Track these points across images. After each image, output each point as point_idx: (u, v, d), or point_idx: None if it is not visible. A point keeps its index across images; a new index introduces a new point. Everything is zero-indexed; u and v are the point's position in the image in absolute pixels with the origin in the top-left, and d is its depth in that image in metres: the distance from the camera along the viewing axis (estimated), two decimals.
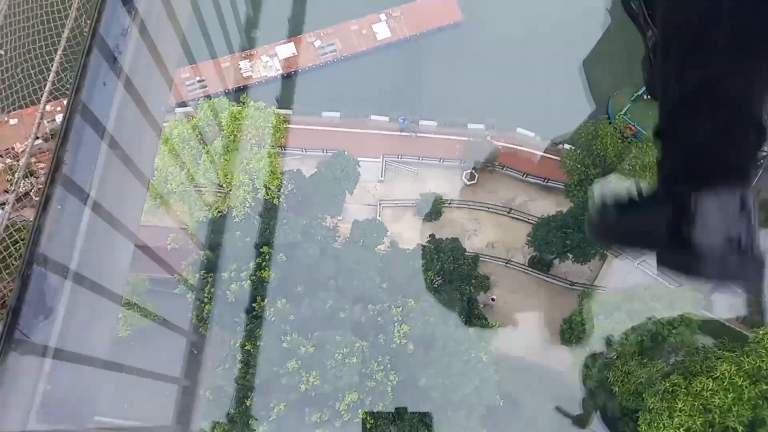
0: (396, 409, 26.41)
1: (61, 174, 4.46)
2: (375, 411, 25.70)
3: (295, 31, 44.41)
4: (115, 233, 4.84)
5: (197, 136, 29.92)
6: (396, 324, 26.40)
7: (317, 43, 43.53)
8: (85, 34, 4.86)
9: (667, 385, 25.50)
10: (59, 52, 4.75)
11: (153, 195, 27.10)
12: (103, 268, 4.88)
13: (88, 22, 4.83)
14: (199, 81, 42.76)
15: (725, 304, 33.93)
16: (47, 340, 4.12)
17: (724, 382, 24.32)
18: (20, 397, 3.88)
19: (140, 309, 28.30)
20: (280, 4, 44.72)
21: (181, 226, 29.99)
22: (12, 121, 31.91)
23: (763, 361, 24.33)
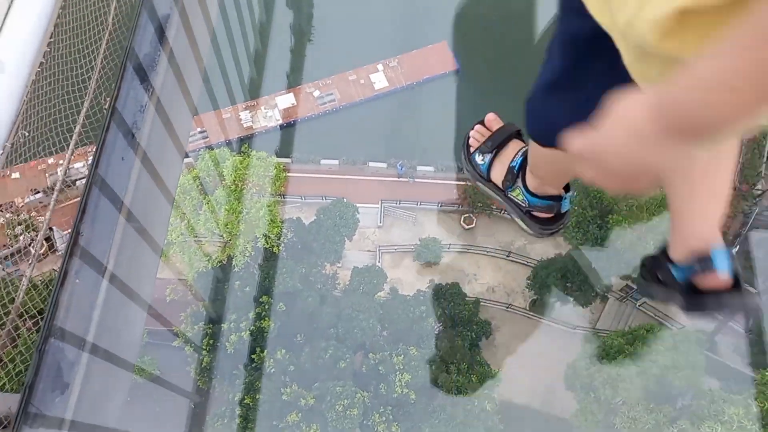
0: None
1: (78, 247, 4.65)
2: None
3: (294, 82, 45.59)
4: (131, 303, 4.99)
5: (198, 186, 30.32)
6: (397, 373, 26.11)
7: (316, 93, 44.59)
8: (104, 110, 5.17)
9: (675, 431, 25.02)
10: (77, 128, 5.05)
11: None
12: (118, 339, 5.01)
13: (108, 99, 5.14)
14: (200, 132, 43.60)
15: (729, 345, 33.60)
16: (62, 413, 4.23)
17: (733, 426, 23.89)
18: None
19: (138, 362, 28.05)
20: (281, 57, 46.06)
21: (180, 277, 30.03)
22: (14, 175, 32.45)
23: None
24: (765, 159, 40.76)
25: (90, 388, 4.48)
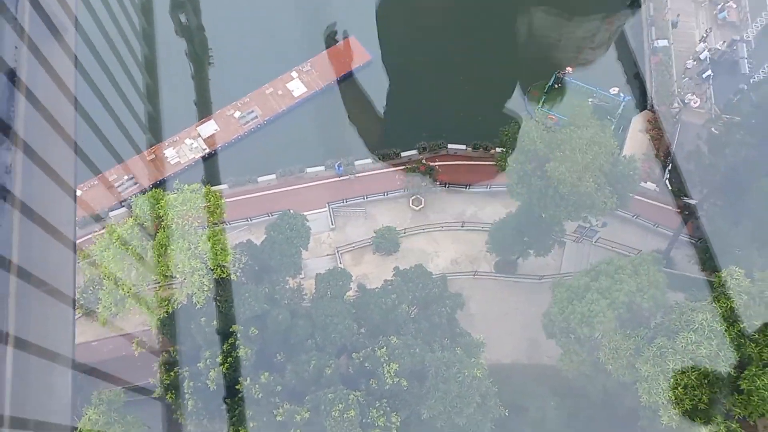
0: None
1: None
2: None
3: (212, 108, 44.73)
4: (51, 364, 4.64)
5: (138, 234, 29.25)
6: (384, 365, 26.08)
7: (237, 114, 43.91)
8: None
9: (654, 349, 26.02)
10: None
11: (106, 305, 26.15)
12: (42, 408, 4.64)
13: None
14: (128, 179, 42.19)
15: (683, 258, 35.29)
16: None
17: (705, 332, 25.03)
18: None
19: (123, 423, 26.90)
20: (188, 87, 45.08)
21: (144, 328, 29.00)
22: None
23: (732, 301, 25.23)
24: (675, 79, 42.97)
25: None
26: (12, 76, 4.98)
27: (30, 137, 5.04)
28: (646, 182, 38.51)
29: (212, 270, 27.70)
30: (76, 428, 24.61)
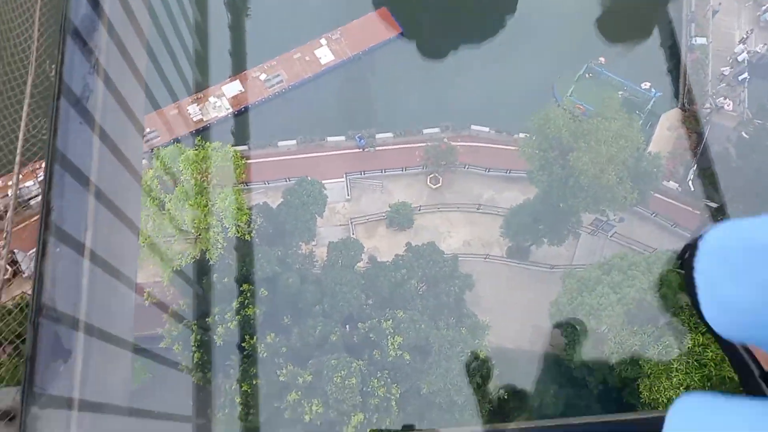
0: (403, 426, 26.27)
1: (52, 220, 4.41)
2: (383, 428, 25.48)
3: (239, 68, 44.55)
4: (115, 281, 4.77)
5: (157, 186, 29.55)
6: (389, 337, 26.35)
7: (263, 77, 43.72)
8: (51, 77, 4.86)
9: (660, 348, 26.02)
10: (25, 108, 4.71)
11: None
12: (109, 316, 4.80)
13: (52, 66, 4.84)
14: (150, 132, 42.38)
15: None
16: (66, 391, 4.07)
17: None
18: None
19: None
20: (220, 45, 44.87)
21: (155, 279, 29.45)
22: None
23: None
24: (710, 78, 42.06)
25: (90, 362, 4.32)
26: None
27: (106, 57, 5.11)
28: (668, 181, 38.00)
29: (227, 228, 27.97)
30: None
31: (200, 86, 43.62)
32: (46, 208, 4.47)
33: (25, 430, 3.61)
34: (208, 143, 31.17)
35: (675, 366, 24.81)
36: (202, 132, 41.49)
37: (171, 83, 41.79)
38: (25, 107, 4.61)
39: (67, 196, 4.74)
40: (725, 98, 40.14)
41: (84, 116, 5.13)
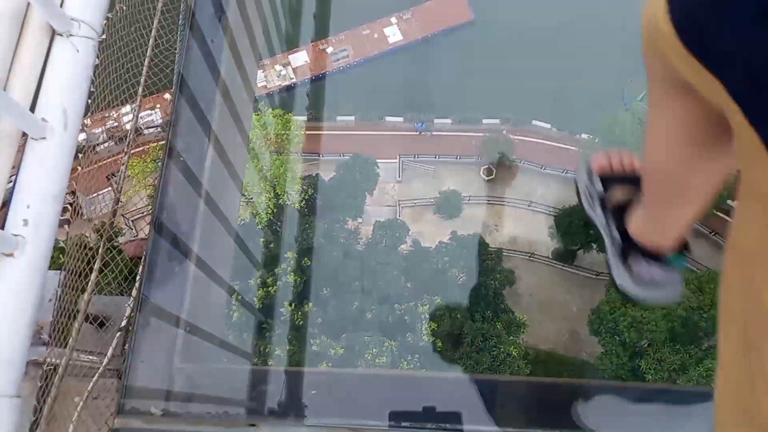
0: None
1: (174, 145, 4.63)
2: None
3: (307, 39, 44.97)
4: (219, 224, 4.95)
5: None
6: (423, 322, 26.52)
7: (329, 50, 43.96)
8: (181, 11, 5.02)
9: (701, 370, 25.21)
10: (153, 33, 4.89)
11: None
12: (213, 249, 4.97)
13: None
14: None
15: None
16: (177, 305, 4.33)
17: None
18: (163, 337, 4.11)
19: None
20: (289, 14, 45.33)
21: None
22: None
23: None
24: None
25: (196, 287, 4.41)
26: None
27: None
28: (734, 200, 36.32)
29: (279, 195, 28.59)
30: None
31: (266, 54, 44.31)
32: (172, 130, 4.58)
33: (135, 337, 3.82)
34: (269, 109, 31.80)
35: (712, 390, 24.00)
36: (264, 98, 42.27)
37: (240, 51, 42.60)
38: (154, 30, 4.82)
39: (189, 134, 4.84)
40: None
41: (209, 58, 5.21)
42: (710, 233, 36.10)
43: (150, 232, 4.13)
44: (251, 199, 28.80)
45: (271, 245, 28.52)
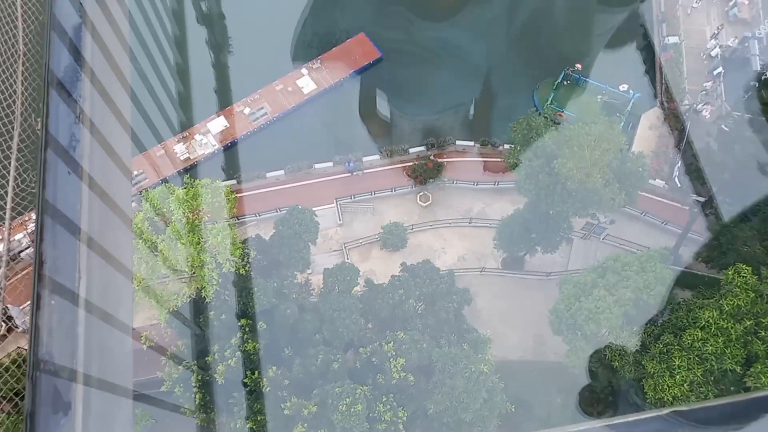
0: None
1: (45, 272, 4.53)
2: None
3: (223, 104, 45.00)
4: (112, 328, 4.87)
5: (148, 227, 29.60)
6: (391, 360, 26.28)
7: (247, 111, 44.16)
8: (37, 131, 5.00)
9: (661, 346, 26.05)
10: (13, 162, 4.85)
11: None
12: (108, 364, 4.89)
13: (38, 119, 4.99)
14: (138, 174, 42.55)
15: (692, 255, 35.15)
16: None
17: (711, 329, 25.00)
18: None
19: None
20: (203, 83, 45.37)
21: (152, 322, 29.35)
22: None
23: (740, 298, 25.17)
24: (685, 76, 42.71)
25: (91, 413, 4.37)
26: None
27: (90, 106, 5.30)
28: (655, 179, 38.36)
29: (221, 264, 28.00)
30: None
31: (185, 125, 43.99)
32: (39, 260, 4.60)
33: None
34: (196, 180, 31.34)
35: (677, 363, 24.81)
36: (190, 170, 41.75)
37: (156, 125, 42.14)
38: (13, 161, 4.77)
39: (59, 247, 4.86)
40: (706, 104, 40.41)
41: (71, 166, 5.28)
42: (641, 214, 37.92)
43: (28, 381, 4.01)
44: (193, 274, 28.08)
45: (223, 316, 27.76)
